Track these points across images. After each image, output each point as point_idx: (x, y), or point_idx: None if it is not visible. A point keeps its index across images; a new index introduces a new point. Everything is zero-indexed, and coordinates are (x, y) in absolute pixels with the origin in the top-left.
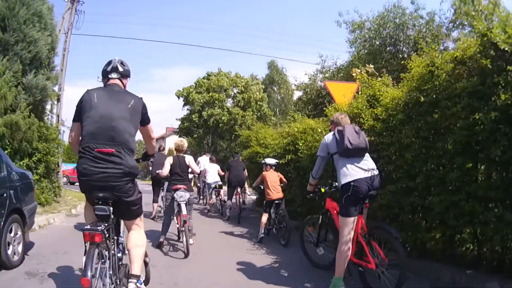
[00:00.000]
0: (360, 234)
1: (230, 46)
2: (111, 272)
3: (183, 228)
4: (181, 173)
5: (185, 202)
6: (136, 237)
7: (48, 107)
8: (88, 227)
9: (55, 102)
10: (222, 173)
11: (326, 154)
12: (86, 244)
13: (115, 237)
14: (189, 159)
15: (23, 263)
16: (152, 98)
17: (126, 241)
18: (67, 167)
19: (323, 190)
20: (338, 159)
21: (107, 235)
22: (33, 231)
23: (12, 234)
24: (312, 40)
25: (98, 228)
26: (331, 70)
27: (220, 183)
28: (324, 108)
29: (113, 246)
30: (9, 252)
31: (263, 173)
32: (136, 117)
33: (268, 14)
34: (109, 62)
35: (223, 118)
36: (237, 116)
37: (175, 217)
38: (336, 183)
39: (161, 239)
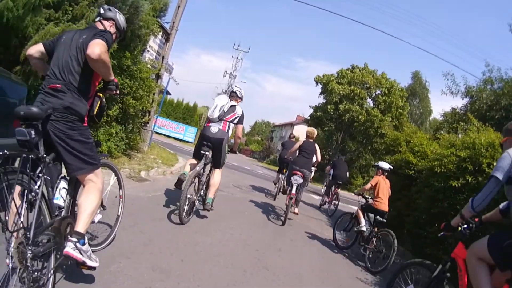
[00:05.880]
0: None
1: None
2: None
3: (287, 202)
4: (307, 153)
5: (297, 185)
6: (87, 191)
7: (150, 44)
8: None
9: (156, 34)
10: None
11: (507, 177)
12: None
13: (45, 177)
14: (316, 146)
15: None
16: (290, 85)
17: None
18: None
19: (459, 228)
20: None
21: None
22: None
23: None
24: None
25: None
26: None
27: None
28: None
29: (39, 187)
30: None
31: (377, 176)
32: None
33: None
34: None
35: (360, 117)
36: (374, 119)
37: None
38: (473, 223)
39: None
